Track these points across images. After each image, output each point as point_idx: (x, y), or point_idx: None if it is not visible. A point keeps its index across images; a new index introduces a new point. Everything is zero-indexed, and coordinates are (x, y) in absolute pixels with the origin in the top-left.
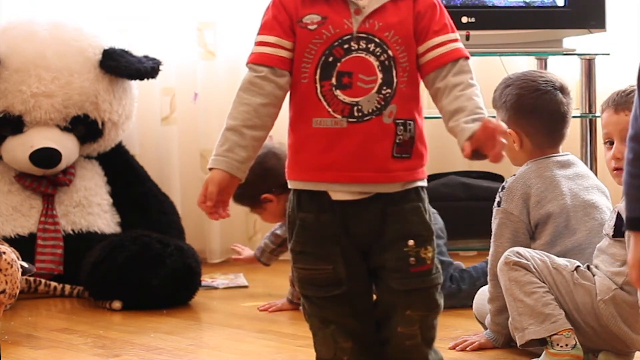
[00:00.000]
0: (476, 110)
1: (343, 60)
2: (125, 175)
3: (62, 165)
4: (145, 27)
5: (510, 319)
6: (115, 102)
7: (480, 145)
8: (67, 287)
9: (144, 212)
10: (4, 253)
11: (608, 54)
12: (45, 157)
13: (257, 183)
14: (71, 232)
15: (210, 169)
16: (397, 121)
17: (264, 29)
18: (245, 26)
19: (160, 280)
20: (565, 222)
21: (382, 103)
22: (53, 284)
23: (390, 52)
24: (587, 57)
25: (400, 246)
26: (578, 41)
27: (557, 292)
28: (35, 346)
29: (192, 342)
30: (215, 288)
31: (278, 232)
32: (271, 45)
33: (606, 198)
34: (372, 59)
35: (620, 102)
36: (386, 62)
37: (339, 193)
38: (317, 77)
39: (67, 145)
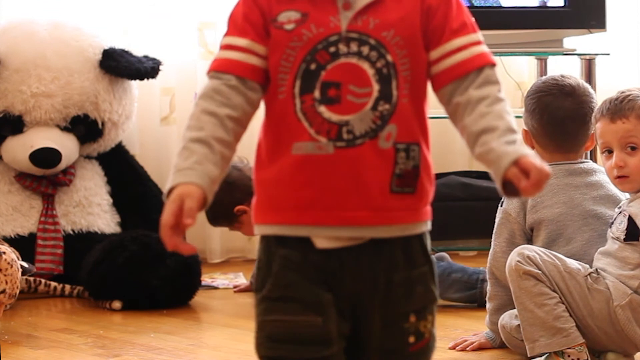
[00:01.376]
0: (510, 131)
1: (329, 67)
2: (125, 175)
3: (62, 165)
4: (145, 27)
5: (521, 328)
6: (115, 102)
7: (520, 176)
8: (67, 287)
9: (144, 212)
10: (4, 253)
11: (608, 54)
12: (45, 157)
13: (226, 198)
14: (71, 232)
15: (172, 188)
16: (398, 146)
17: (233, 29)
18: None
19: (160, 280)
20: (559, 230)
21: (379, 122)
22: (53, 284)
23: (389, 57)
24: (587, 57)
25: (400, 323)
26: (578, 41)
27: (570, 298)
28: (35, 346)
29: (192, 342)
30: (216, 288)
31: None
32: (241, 49)
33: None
34: (365, 65)
35: (616, 110)
36: (384, 70)
37: (324, 240)
38: (297, 90)
39: (67, 145)
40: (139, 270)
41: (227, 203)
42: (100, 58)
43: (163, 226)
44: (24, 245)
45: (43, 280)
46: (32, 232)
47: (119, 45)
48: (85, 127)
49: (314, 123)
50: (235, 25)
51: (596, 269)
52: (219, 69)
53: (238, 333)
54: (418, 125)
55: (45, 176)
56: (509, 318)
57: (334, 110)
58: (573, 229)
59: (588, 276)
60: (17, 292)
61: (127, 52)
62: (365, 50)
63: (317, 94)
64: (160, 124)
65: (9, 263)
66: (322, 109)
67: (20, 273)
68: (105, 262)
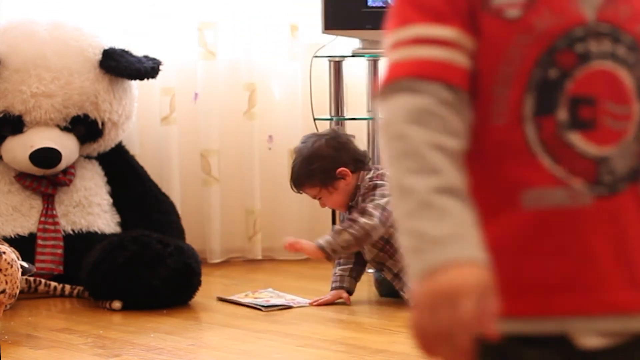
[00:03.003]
0: None
1: (577, 75)
2: (125, 175)
3: (62, 165)
4: (145, 27)
5: None
6: (115, 102)
7: None
8: (67, 287)
9: (144, 212)
10: (4, 253)
11: None
12: (45, 157)
13: (334, 156)
14: (71, 232)
15: (437, 267)
16: None
17: (419, 12)
18: (245, 26)
19: (160, 280)
20: None
21: None
22: (53, 284)
23: None
24: None
25: None
26: None
27: None
28: (35, 346)
29: (192, 342)
30: (289, 307)
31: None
32: (445, 44)
33: None
34: (622, 73)
35: None
36: None
37: (592, 336)
38: (527, 109)
39: (67, 145)
40: (139, 270)
41: (334, 160)
42: (100, 58)
43: (464, 332)
44: (24, 245)
45: (43, 280)
46: (32, 232)
47: (119, 45)
48: (85, 127)
49: (562, 159)
50: (423, 5)
51: None
52: (419, 73)
53: (238, 333)
54: None
55: (45, 176)
56: None
57: (590, 138)
58: None
59: None
60: (17, 292)
61: (127, 52)
62: (620, 51)
63: (562, 114)
64: (160, 124)
65: (9, 263)
66: (574, 137)
67: (20, 273)
68: (105, 262)
